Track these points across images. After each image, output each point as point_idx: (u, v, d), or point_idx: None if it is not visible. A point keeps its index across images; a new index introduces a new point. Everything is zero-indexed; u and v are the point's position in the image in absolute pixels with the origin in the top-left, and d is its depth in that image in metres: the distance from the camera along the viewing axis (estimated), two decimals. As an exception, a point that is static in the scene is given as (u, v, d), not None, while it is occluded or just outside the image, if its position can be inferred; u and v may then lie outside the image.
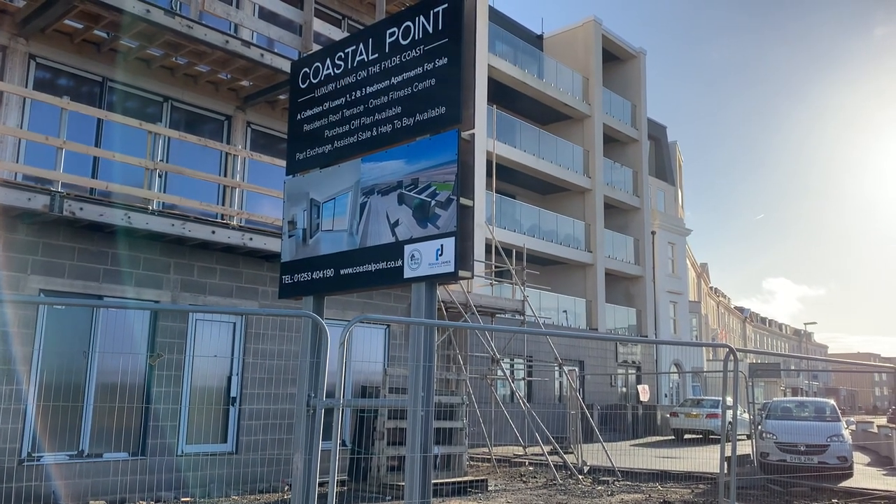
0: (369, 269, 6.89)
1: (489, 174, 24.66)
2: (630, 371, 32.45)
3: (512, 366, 23.85)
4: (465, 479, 12.23)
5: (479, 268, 22.44)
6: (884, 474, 15.80)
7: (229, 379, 11.86)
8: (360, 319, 4.91)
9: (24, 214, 9.51)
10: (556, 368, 19.94)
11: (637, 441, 24.77)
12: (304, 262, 7.64)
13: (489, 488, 12.35)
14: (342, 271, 7.16)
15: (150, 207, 10.46)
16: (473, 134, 6.53)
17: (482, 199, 24.78)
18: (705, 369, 40.14)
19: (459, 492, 11.78)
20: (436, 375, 14.05)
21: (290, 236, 7.88)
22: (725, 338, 71.53)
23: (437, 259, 6.30)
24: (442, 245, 6.27)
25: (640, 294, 35.24)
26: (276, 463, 11.95)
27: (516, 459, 17.01)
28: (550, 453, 15.55)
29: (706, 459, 15.67)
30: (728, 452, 6.76)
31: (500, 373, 16.67)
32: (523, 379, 22.86)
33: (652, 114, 42.58)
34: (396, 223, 6.72)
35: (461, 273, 6.19)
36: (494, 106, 25.98)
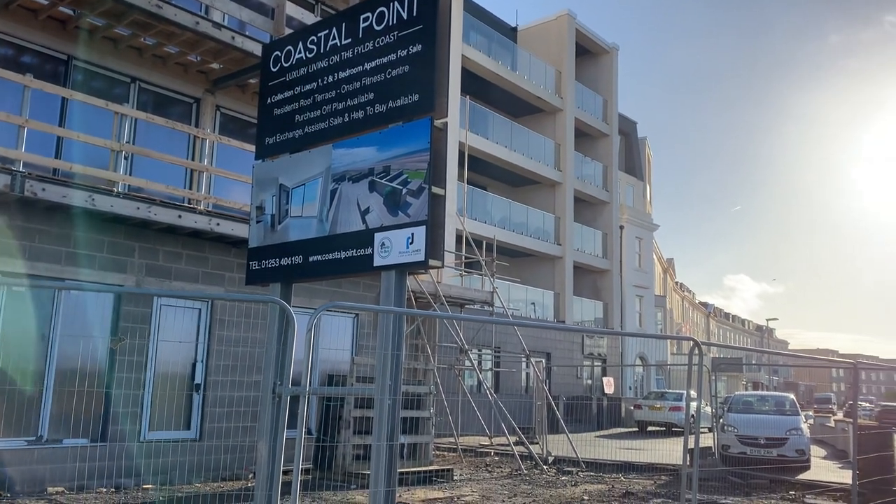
0: (339, 256, 6.83)
1: (461, 165, 24.60)
2: (596, 363, 32.77)
3: (480, 357, 23.92)
4: (431, 468, 12.25)
5: (449, 258, 22.43)
6: (839, 467, 16.18)
7: (194, 365, 11.71)
8: (329, 307, 4.86)
9: (-17, 194, 9.25)
10: (524, 360, 20.06)
11: (601, 432, 25.04)
12: (271, 248, 7.55)
13: (455, 478, 12.38)
14: (311, 258, 7.10)
15: (116, 190, 10.25)
16: (446, 122, 6.50)
17: (453, 189, 24.75)
18: (669, 363, 40.70)
19: (425, 481, 11.80)
20: (404, 364, 14.01)
21: (258, 222, 7.78)
22: (690, 332, 72.53)
23: (407, 247, 6.27)
24: (413, 233, 6.24)
25: (608, 287, 35.55)
26: (240, 451, 11.84)
27: (482, 449, 17.09)
28: (516, 444, 15.64)
29: (668, 451, 15.89)
30: (691, 444, 6.85)
31: (468, 363, 16.70)
32: (491, 370, 22.95)
33: (623, 109, 42.88)
34: (367, 210, 6.67)
35: (431, 262, 6.17)
36: (468, 96, 25.92)
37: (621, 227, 37.02)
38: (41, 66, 11.41)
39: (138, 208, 10.34)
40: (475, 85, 27.77)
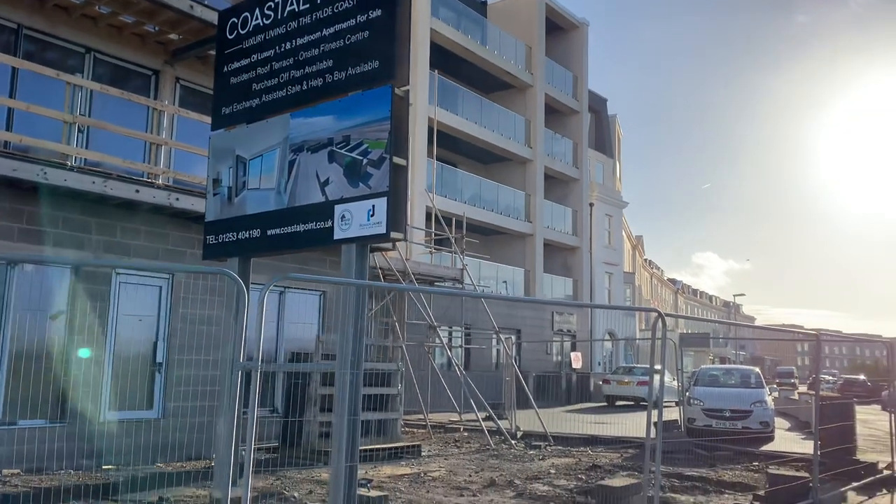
0: (298, 229, 6.66)
1: (430, 141, 24.39)
2: (565, 339, 32.96)
3: (450, 334, 23.88)
4: (399, 444, 12.18)
5: (419, 235, 22.30)
6: (802, 438, 16.46)
7: (155, 344, 11.45)
8: (281, 279, 4.71)
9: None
10: (494, 336, 20.05)
11: (571, 407, 25.23)
12: (229, 221, 7.35)
13: (423, 454, 12.34)
14: (269, 232, 6.92)
15: (69, 163, 9.89)
16: (408, 91, 6.33)
17: (423, 166, 24.55)
18: (638, 338, 41.15)
19: (393, 457, 11.73)
20: (371, 342, 13.81)
21: (214, 194, 7.57)
22: (658, 307, 73.37)
23: (368, 220, 6.11)
24: (374, 205, 6.09)
25: (578, 264, 35.71)
26: (204, 430, 11.64)
27: (452, 426, 17.09)
28: (485, 419, 15.65)
29: (636, 425, 16.02)
30: (655, 418, 6.84)
31: (437, 340, 16.61)
32: (461, 347, 22.94)
33: (593, 86, 42.65)
34: (326, 182, 6.50)
35: (393, 234, 6.03)
36: (437, 71, 25.63)
37: (591, 205, 37.13)
38: (4, 40, 10.96)
39: (94, 182, 10.01)
40: (444, 60, 27.46)
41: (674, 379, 25.90)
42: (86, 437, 10.31)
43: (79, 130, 11.70)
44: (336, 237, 6.31)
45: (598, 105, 41.81)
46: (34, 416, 10.01)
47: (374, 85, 6.23)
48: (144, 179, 10.92)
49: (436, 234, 20.78)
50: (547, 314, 31.47)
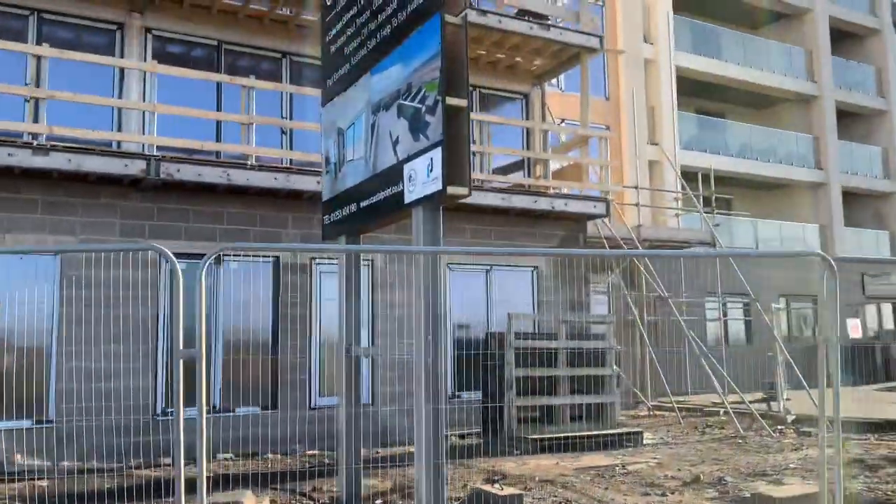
0: (379, 198, 5.98)
1: (682, 93, 21.98)
2: (883, 303, 27.57)
3: (723, 305, 21.24)
4: (616, 431, 10.88)
5: (669, 198, 20.21)
6: None
7: (357, 331, 11.61)
8: (224, 249, 4.07)
9: (133, 181, 9.83)
10: (772, 304, 17.21)
11: (890, 384, 20.99)
12: (336, 199, 6.93)
13: (643, 442, 10.87)
14: (362, 204, 6.34)
15: (250, 162, 10.35)
16: (465, 16, 5.27)
17: (672, 122, 22.18)
18: None
19: (608, 445, 10.50)
20: (589, 319, 12.55)
21: (326, 173, 7.20)
22: None
23: (428, 176, 5.21)
24: (431, 158, 5.17)
25: (895, 213, 29.73)
26: (406, 416, 11.51)
27: (712, 409, 15.07)
28: (733, 404, 13.48)
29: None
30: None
31: (673, 312, 14.55)
32: (725, 319, 20.28)
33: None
34: (397, 141, 5.71)
35: (451, 190, 5.04)
36: (674, 12, 22.96)
37: (913, 139, 30.60)
38: (207, 56, 11.99)
39: (276, 178, 10.38)
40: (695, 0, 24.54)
41: None
42: (299, 422, 10.77)
43: (282, 132, 12.36)
44: (406, 201, 5.50)
45: (912, 18, 34.39)
46: (255, 403, 10.70)
47: (427, 17, 5.28)
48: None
49: (684, 194, 18.56)
50: (855, 275, 26.59)
